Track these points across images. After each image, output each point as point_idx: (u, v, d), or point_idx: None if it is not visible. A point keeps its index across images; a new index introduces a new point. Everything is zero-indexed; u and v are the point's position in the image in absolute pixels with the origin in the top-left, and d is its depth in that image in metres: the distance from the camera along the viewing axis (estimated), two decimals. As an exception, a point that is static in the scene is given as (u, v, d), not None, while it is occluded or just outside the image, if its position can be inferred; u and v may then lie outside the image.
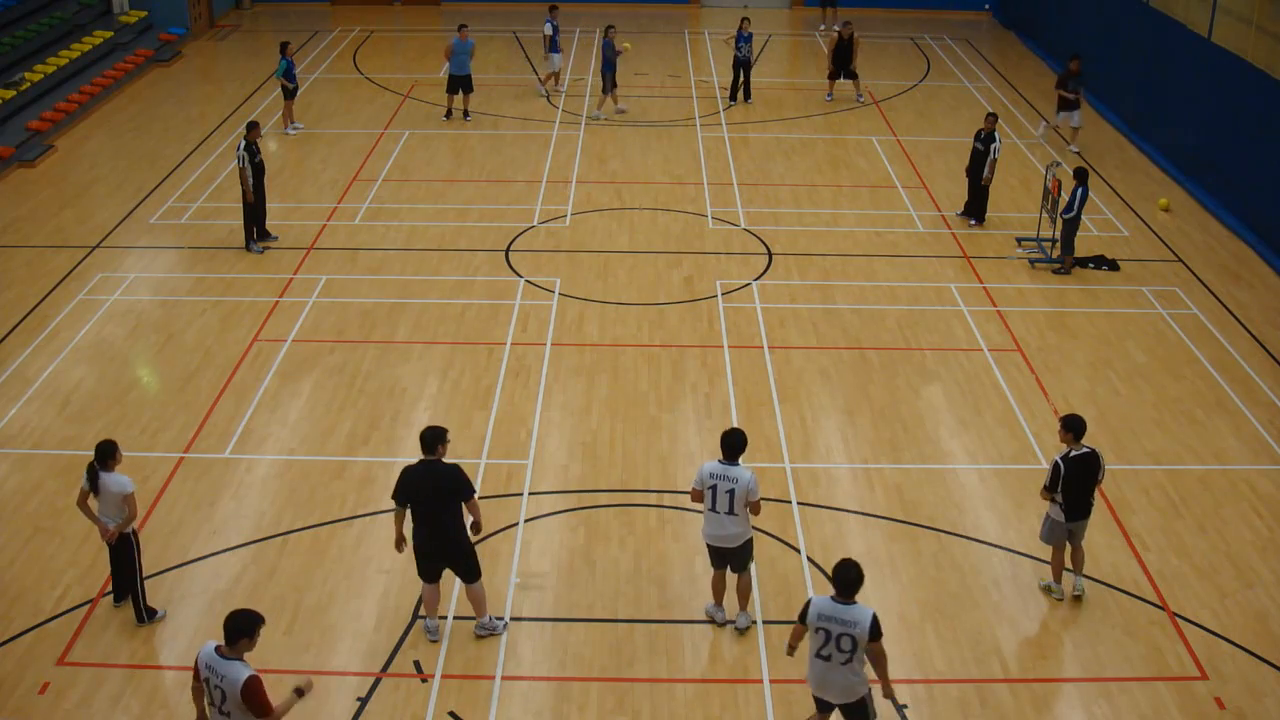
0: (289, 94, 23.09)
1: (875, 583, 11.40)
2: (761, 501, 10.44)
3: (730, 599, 10.87)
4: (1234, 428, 14.06)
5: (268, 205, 18.33)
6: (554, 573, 11.49)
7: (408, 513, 10.19)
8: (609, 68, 23.97)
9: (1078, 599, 11.15)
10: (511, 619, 10.89)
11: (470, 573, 10.41)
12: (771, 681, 10.22)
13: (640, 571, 11.51)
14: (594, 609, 11.04)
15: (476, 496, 10.29)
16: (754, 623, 10.79)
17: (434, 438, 10.10)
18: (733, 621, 10.77)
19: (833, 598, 8.59)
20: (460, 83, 23.76)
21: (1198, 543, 12.10)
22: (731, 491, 10.12)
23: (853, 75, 25.43)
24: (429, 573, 10.39)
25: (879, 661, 8.72)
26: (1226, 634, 10.88)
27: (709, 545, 10.50)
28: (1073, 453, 10.73)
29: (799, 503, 12.51)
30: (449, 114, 24.14)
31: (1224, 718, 9.98)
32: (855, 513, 12.43)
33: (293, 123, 23.39)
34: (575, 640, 10.66)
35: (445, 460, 10.16)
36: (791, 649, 9.23)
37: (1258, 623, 11.04)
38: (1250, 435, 13.92)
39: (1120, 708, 10.05)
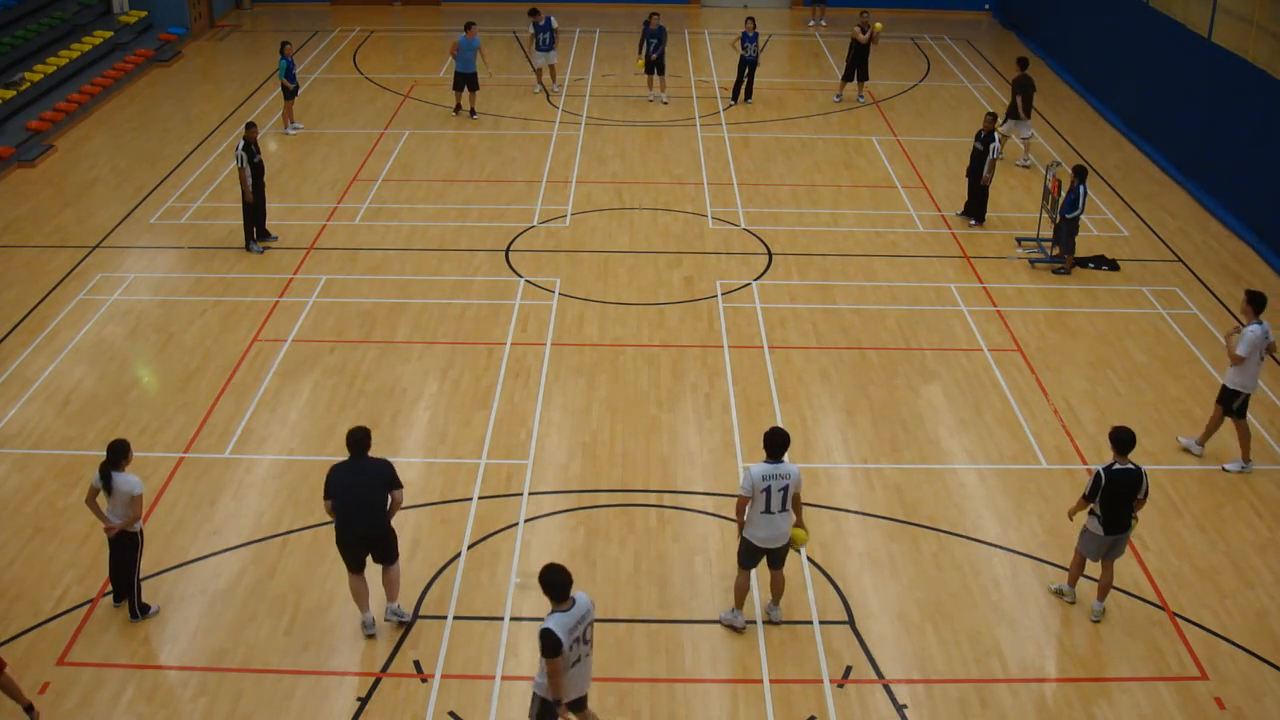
0: (289, 94, 23.09)
1: (875, 583, 11.41)
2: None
3: (748, 601, 10.93)
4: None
5: (267, 205, 18.33)
6: (554, 573, 11.48)
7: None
8: (656, 52, 24.93)
9: (1095, 623, 11.02)
10: (511, 619, 10.89)
11: (390, 556, 10.59)
12: (771, 681, 10.22)
13: (640, 571, 11.51)
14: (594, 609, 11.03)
15: (403, 490, 10.52)
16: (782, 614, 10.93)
17: (359, 439, 10.34)
18: (755, 621, 10.82)
19: (559, 610, 8.48)
20: (465, 80, 23.93)
21: (1198, 543, 12.10)
22: (785, 488, 10.21)
23: (866, 77, 25.41)
24: (355, 562, 10.51)
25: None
26: (1226, 634, 10.88)
27: (756, 547, 10.43)
28: (1116, 465, 10.60)
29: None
30: (458, 109, 24.34)
31: (1224, 718, 9.99)
32: (855, 513, 12.44)
33: (293, 122, 23.39)
34: (575, 640, 10.66)
35: (372, 456, 10.42)
36: (560, 705, 8.76)
37: (1258, 623, 11.04)
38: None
39: (1120, 708, 10.06)
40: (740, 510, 10.37)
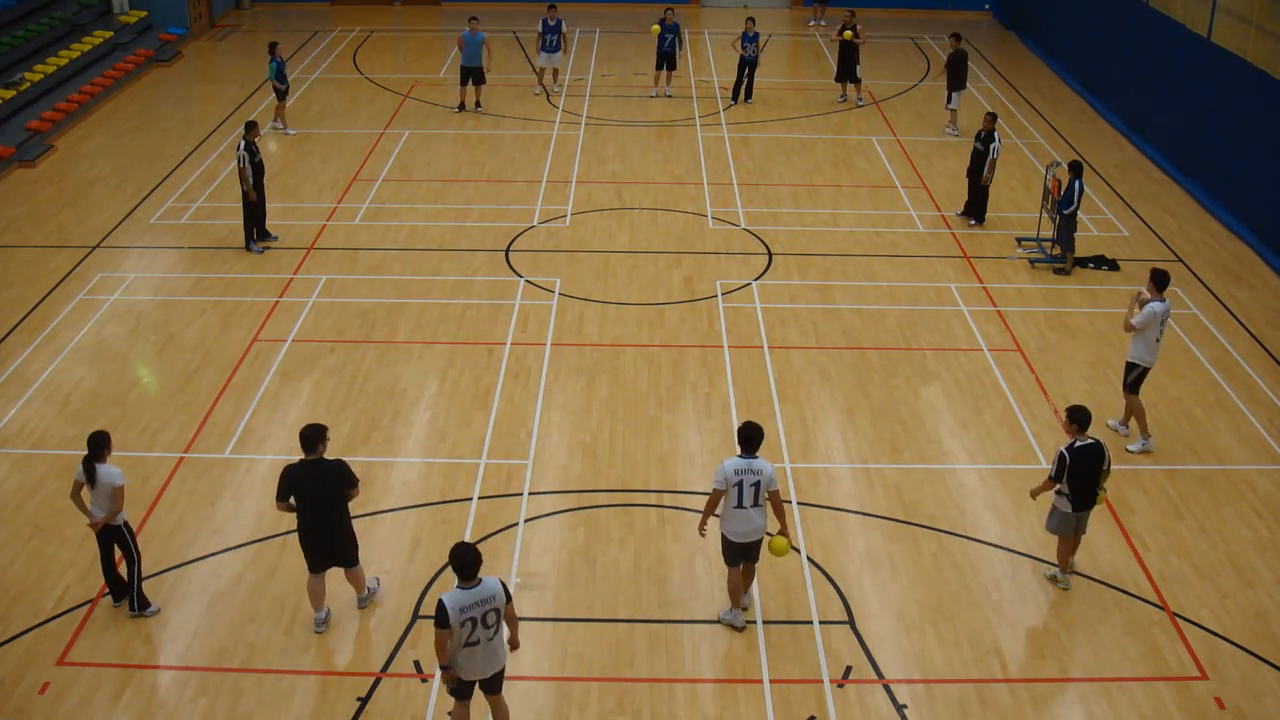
0: (280, 95, 23.06)
1: (875, 583, 11.41)
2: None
3: (747, 600, 11.01)
4: (1234, 428, 14.06)
5: (267, 205, 18.33)
6: (554, 573, 11.49)
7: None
8: (670, 48, 25.39)
9: (1064, 590, 11.36)
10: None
11: (352, 559, 10.70)
12: (771, 681, 10.22)
13: (640, 571, 11.51)
14: (594, 609, 11.05)
15: (359, 486, 10.58)
16: (752, 601, 11.03)
17: (314, 436, 10.27)
18: (755, 621, 10.86)
19: (460, 586, 8.72)
20: (471, 74, 24.11)
21: (1198, 543, 12.10)
22: (757, 484, 10.28)
23: (856, 79, 25.30)
24: (316, 564, 10.57)
25: (511, 620, 9.05)
26: (1226, 634, 10.88)
27: (734, 543, 10.50)
28: (1077, 443, 10.91)
29: (799, 503, 12.51)
30: (461, 106, 24.47)
31: (1224, 718, 9.99)
32: (855, 513, 12.44)
33: (283, 124, 23.32)
34: (575, 640, 10.67)
35: (327, 457, 10.39)
36: (446, 670, 8.93)
37: (1258, 623, 11.05)
38: (1250, 435, 13.93)
39: (1120, 708, 10.06)
40: (713, 504, 10.44)
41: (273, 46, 23.06)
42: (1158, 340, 13.33)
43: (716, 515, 10.50)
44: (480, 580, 8.77)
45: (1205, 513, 12.56)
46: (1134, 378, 13.46)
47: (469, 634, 8.77)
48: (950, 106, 23.65)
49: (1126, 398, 13.60)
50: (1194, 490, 12.92)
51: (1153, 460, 13.36)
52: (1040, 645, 10.73)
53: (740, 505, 10.32)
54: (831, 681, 10.24)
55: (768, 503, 10.39)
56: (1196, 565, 11.77)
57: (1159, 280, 13.27)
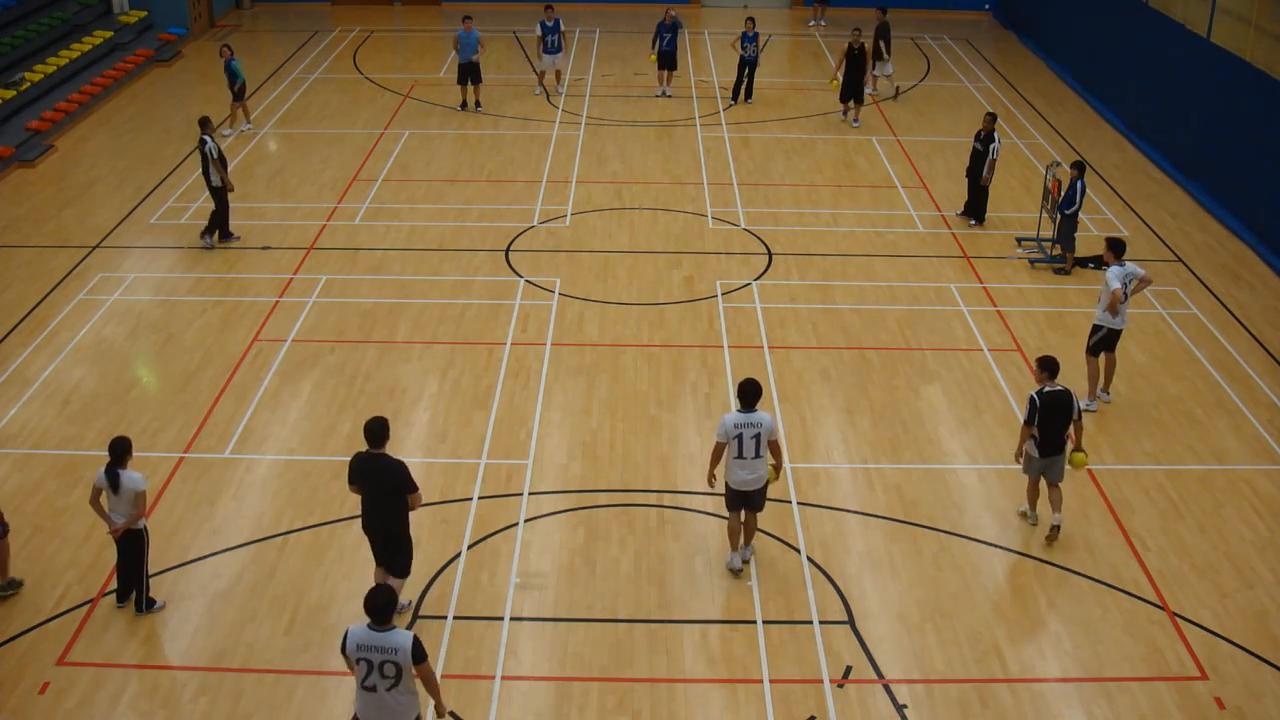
0: (239, 94, 23.13)
1: (875, 583, 11.42)
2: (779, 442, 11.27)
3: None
4: (1234, 428, 14.06)
5: (230, 205, 18.34)
6: (554, 573, 11.49)
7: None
8: (670, 46, 25.61)
9: (1056, 529, 11.84)
10: (511, 619, 10.90)
11: (400, 569, 10.59)
12: (771, 681, 10.23)
13: (640, 571, 11.52)
14: (594, 609, 11.05)
15: (420, 493, 10.43)
16: (753, 556, 11.58)
17: (376, 430, 10.18)
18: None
19: (369, 626, 8.33)
20: (468, 72, 24.10)
21: (1198, 543, 12.10)
22: (758, 435, 10.89)
23: (860, 98, 24.17)
24: (376, 554, 10.62)
25: (429, 683, 8.52)
26: (1226, 634, 10.88)
27: (736, 491, 11.10)
28: (1046, 388, 11.52)
29: (799, 502, 12.51)
30: (464, 105, 24.55)
31: (1224, 718, 9.99)
32: (855, 513, 12.44)
33: (234, 124, 23.32)
34: (575, 640, 10.67)
35: (389, 454, 10.30)
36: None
37: (1258, 623, 11.05)
38: (1250, 435, 13.93)
39: (1120, 708, 10.06)
40: (716, 456, 11.05)
41: (226, 48, 23.03)
42: (1123, 302, 13.95)
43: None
44: (392, 628, 8.32)
45: (1205, 513, 12.57)
46: (1096, 340, 14.11)
47: (364, 675, 8.42)
48: (879, 74, 25.43)
49: (1087, 360, 14.28)
50: (1194, 490, 12.92)
51: (1153, 460, 13.36)
52: (1040, 645, 10.74)
53: (741, 456, 10.92)
54: (831, 681, 10.24)
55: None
56: (1196, 565, 11.77)
57: (1115, 248, 14.09)
